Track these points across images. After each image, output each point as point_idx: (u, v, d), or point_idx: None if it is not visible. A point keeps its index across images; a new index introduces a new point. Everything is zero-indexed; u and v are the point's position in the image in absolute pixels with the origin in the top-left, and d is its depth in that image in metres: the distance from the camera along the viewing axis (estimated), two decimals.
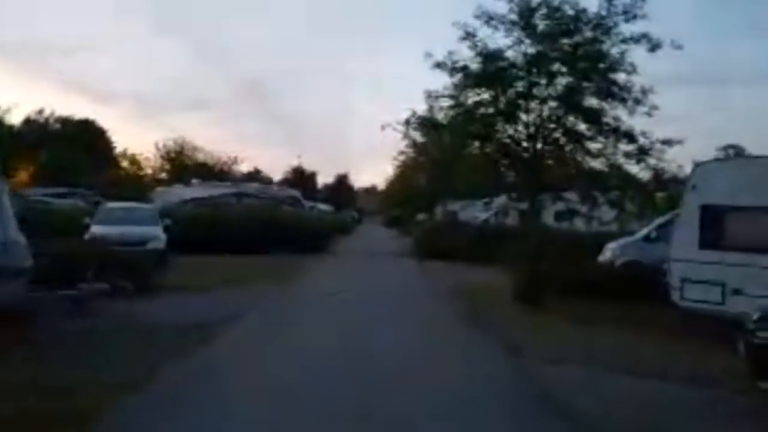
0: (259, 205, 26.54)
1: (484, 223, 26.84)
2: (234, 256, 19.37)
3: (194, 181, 35.45)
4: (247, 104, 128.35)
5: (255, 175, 74.97)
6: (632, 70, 13.11)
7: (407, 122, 14.58)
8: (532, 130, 13.47)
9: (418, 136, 25.38)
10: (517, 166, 14.38)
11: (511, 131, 13.68)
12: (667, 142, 13.31)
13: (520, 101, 13.29)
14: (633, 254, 14.25)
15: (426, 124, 14.87)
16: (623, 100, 13.05)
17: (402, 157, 32.53)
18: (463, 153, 14.83)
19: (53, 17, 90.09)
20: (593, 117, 13.16)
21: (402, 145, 27.64)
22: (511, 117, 13.40)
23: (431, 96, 14.04)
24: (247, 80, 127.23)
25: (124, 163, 56.12)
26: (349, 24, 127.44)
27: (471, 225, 25.58)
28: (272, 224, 22.82)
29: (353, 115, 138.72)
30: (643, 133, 13.19)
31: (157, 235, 16.55)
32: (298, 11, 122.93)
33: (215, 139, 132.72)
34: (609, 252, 14.89)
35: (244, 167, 68.96)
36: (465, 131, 13.54)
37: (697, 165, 8.79)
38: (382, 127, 14.95)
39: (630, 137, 13.22)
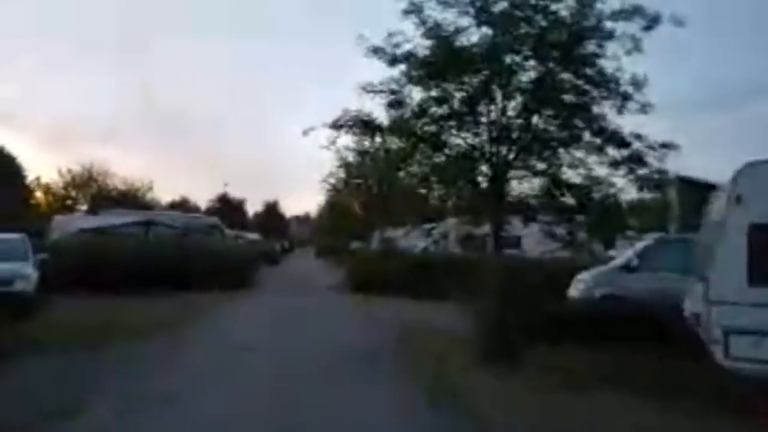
0: (167, 235, 23.02)
1: (423, 251, 24.45)
2: (129, 297, 15.98)
3: (82, 210, 31.24)
4: (172, 134, 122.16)
5: (182, 205, 70.84)
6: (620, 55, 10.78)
7: (337, 125, 11.76)
8: (494, 133, 11.01)
9: (348, 151, 22.99)
10: (473, 180, 11.84)
11: (468, 136, 11.14)
12: (667, 146, 11.09)
13: (480, 97, 10.80)
14: (611, 287, 12.05)
15: (361, 125, 12.01)
16: (607, 95, 10.74)
17: (332, 180, 29.90)
18: (407, 163, 12.16)
19: None
20: (570, 116, 10.74)
21: (332, 165, 24.83)
22: (467, 117, 10.90)
23: (366, 90, 11.39)
24: (171, 109, 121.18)
25: (38, 193, 51.47)
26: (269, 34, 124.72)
27: (409, 254, 23.03)
28: (181, 257, 19.49)
29: (283, 142, 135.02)
30: (638, 136, 10.92)
31: (22, 273, 12.96)
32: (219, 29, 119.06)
33: (137, 168, 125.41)
34: (581, 284, 12.58)
35: (170, 196, 64.53)
36: (410, 134, 10.94)
37: (748, 165, 6.35)
38: (305, 133, 12.17)
39: (620, 141, 10.92)
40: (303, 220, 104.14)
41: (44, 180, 51.58)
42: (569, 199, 11.75)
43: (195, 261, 19.59)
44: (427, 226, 36.52)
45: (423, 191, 12.52)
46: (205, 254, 20.45)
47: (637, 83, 10.94)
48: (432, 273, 19.20)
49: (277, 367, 8.68)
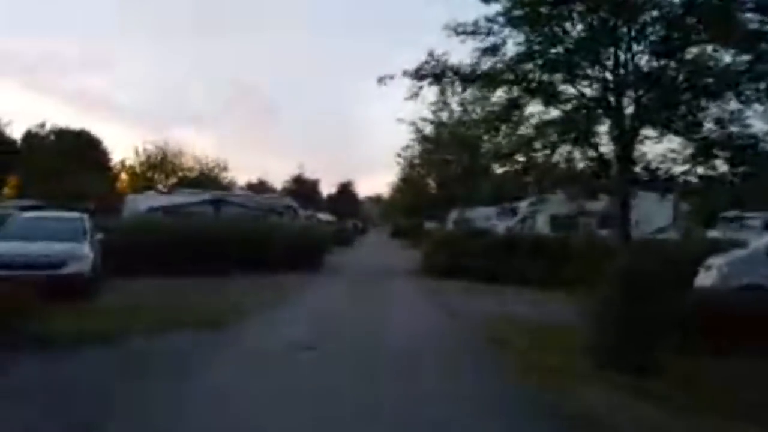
0: (238, 215, 22.09)
1: (508, 231, 22.30)
2: (193, 279, 15.02)
3: (161, 188, 31.09)
4: (249, 115, 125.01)
5: (258, 186, 71.69)
6: None
7: (420, 74, 9.85)
8: (619, 75, 8.73)
9: (425, 123, 20.96)
10: (591, 141, 9.59)
11: (587, 84, 8.97)
12: None
13: (601, 36, 8.59)
14: (754, 275, 9.72)
15: (449, 74, 9.99)
16: None
17: (407, 153, 27.77)
18: (504, 123, 10.07)
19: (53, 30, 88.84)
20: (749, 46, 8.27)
21: (408, 139, 23.01)
22: (586, 61, 8.74)
23: (456, 32, 9.40)
24: (248, 91, 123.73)
25: (123, 175, 53.10)
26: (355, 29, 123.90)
27: (493, 235, 20.95)
28: (252, 237, 18.41)
29: (359, 123, 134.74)
30: None
31: (77, 254, 12.07)
32: (298, 18, 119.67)
33: (217, 150, 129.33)
34: (714, 271, 10.29)
35: (247, 177, 65.41)
36: (514, 82, 8.92)
37: None
38: (380, 81, 10.31)
39: None
40: (375, 200, 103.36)
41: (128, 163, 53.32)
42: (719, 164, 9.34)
43: (266, 242, 18.48)
44: (509, 204, 34.21)
45: (520, 160, 10.33)
46: (278, 235, 19.30)
47: None
48: (520, 256, 17.22)
49: (344, 367, 7.10)
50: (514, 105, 9.53)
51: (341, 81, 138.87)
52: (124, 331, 8.45)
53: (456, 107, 20.11)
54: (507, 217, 31.47)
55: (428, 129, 20.91)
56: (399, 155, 24.43)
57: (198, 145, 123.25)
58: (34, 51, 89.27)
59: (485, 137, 12.51)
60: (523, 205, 26.34)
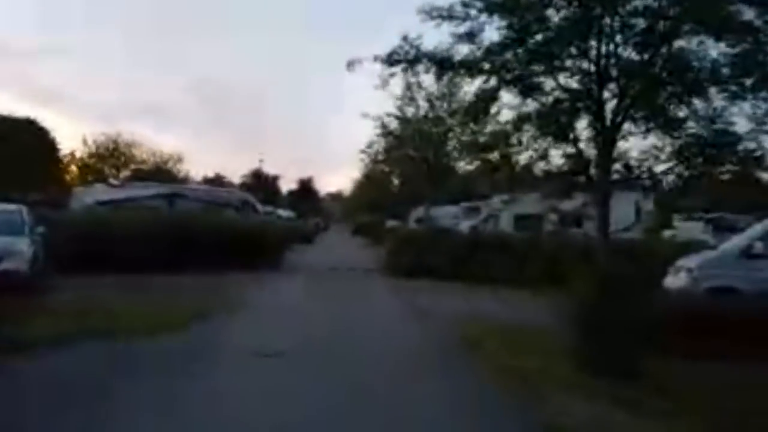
0: (193, 210, 21.08)
1: (472, 230, 21.98)
2: (141, 277, 14.14)
3: (114, 180, 29.72)
4: (208, 110, 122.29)
5: (216, 180, 70.18)
6: None
7: (392, 59, 9.22)
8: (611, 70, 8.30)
9: (390, 118, 20.36)
10: (569, 137, 9.17)
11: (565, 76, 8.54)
12: None
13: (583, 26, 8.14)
14: (724, 277, 9.54)
15: (423, 60, 9.13)
16: None
17: (372, 149, 27.24)
18: (486, 109, 9.56)
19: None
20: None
21: (373, 135, 22.40)
22: (567, 51, 8.31)
23: (431, 15, 8.80)
24: (206, 86, 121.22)
25: (73, 166, 50.87)
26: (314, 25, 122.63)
27: (457, 234, 20.61)
28: (205, 233, 17.54)
29: (319, 121, 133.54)
30: None
31: (14, 249, 11.10)
32: (260, 16, 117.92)
33: (174, 145, 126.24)
34: (682, 273, 10.10)
35: (205, 172, 63.77)
36: (491, 72, 8.42)
37: None
38: (349, 66, 9.65)
39: None
40: (336, 197, 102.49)
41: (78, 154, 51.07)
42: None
43: (221, 238, 17.61)
44: (470, 203, 34.02)
45: (493, 156, 9.84)
46: (233, 231, 18.43)
47: None
48: (485, 255, 16.91)
49: (313, 373, 6.53)
50: (491, 96, 9.02)
51: (302, 78, 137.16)
52: (63, 336, 7.66)
53: (423, 103, 19.66)
54: (470, 216, 31.29)
55: (394, 125, 20.41)
56: (363, 151, 23.82)
57: (156, 141, 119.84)
58: None
59: (457, 130, 12.14)
60: (486, 204, 26.12)
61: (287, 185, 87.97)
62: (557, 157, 9.39)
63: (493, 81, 8.79)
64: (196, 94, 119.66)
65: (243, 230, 18.93)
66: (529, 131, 9.15)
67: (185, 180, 53.30)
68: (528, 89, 8.91)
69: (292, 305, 12.33)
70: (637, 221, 20.89)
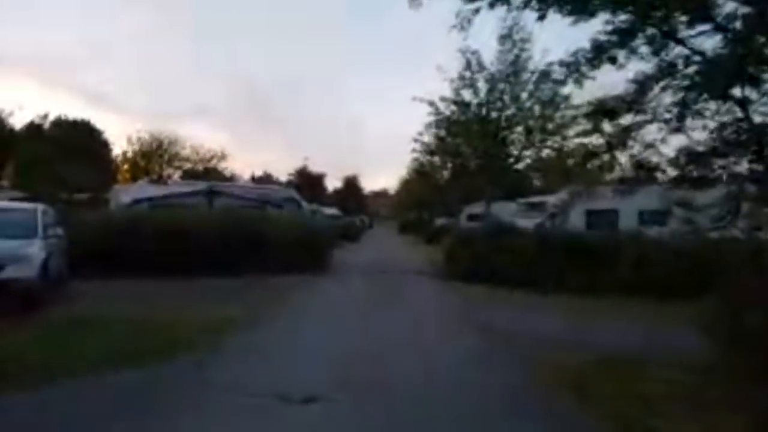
0: (234, 207, 19.53)
1: (539, 228, 19.70)
2: (176, 281, 12.72)
3: (144, 179, 28.72)
4: (255, 110, 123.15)
5: (263, 179, 69.96)
6: None
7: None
8: None
9: (445, 102, 18.32)
10: None
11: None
12: None
13: None
14: None
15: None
16: None
17: (424, 138, 25.05)
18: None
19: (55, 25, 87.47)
20: None
21: (425, 121, 20.28)
22: None
23: None
24: (254, 86, 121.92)
25: (125, 167, 51.05)
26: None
27: (523, 232, 18.29)
28: (247, 232, 15.95)
29: (363, 120, 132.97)
30: None
31: (21, 254, 9.61)
32: (303, 17, 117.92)
33: (221, 144, 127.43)
34: None
35: (252, 171, 63.69)
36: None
37: None
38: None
39: None
40: (382, 195, 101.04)
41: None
42: None
43: (263, 238, 16.00)
44: (526, 199, 31.65)
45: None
46: (276, 230, 16.75)
47: None
48: (556, 258, 14.72)
49: None
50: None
51: (344, 79, 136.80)
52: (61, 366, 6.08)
53: (482, 84, 17.51)
54: (529, 213, 29.00)
55: (448, 110, 18.30)
56: (415, 140, 21.68)
57: (205, 140, 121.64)
58: (44, 45, 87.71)
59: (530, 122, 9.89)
60: (552, 200, 23.80)
61: (333, 183, 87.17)
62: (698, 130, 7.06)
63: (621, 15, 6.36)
64: (242, 94, 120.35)
65: (286, 229, 17.23)
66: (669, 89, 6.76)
67: (231, 178, 52.68)
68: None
69: (341, 325, 10.42)
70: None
